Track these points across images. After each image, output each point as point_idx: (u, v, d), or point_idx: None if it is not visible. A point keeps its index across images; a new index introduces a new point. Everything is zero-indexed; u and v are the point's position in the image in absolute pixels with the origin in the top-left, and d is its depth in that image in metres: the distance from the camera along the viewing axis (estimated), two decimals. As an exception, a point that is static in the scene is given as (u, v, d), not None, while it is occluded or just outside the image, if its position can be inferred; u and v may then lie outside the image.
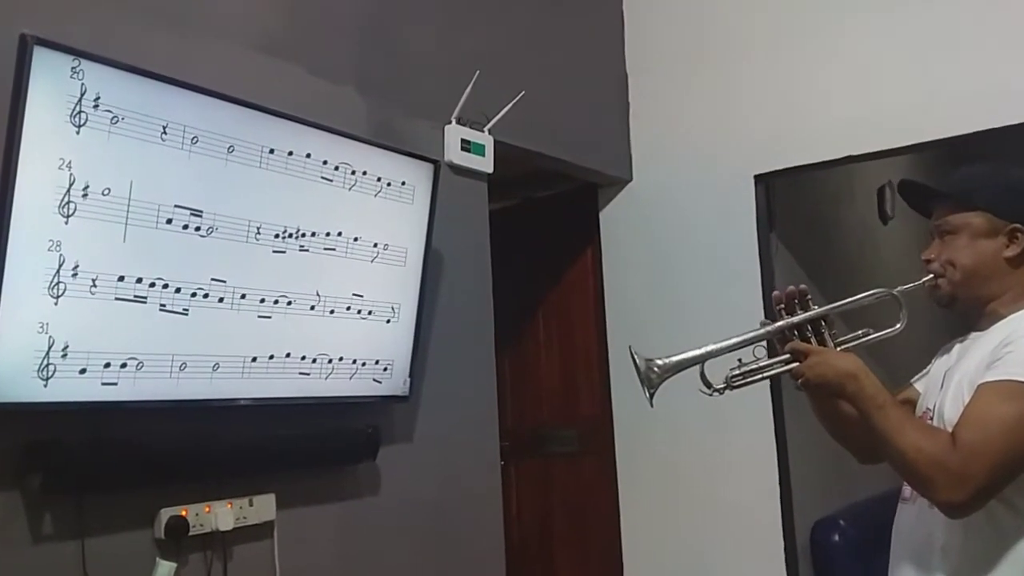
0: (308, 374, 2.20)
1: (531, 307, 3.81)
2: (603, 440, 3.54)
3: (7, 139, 1.62)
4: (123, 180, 1.78)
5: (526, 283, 3.76)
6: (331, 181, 2.20)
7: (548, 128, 3.16)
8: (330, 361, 2.24)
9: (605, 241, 3.65)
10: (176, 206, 1.88)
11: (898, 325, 1.72)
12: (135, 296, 1.83)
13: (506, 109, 2.81)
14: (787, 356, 1.68)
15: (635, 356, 1.70)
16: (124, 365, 1.82)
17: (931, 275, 1.68)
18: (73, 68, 1.69)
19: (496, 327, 2.93)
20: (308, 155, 2.14)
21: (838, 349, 1.68)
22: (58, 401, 1.73)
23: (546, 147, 3.15)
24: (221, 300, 1.99)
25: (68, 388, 1.73)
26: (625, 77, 3.62)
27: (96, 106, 1.72)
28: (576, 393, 3.69)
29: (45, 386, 1.70)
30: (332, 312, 2.23)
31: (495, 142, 2.86)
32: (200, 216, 1.92)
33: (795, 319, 1.69)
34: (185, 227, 1.90)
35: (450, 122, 2.74)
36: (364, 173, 2.27)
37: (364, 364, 2.33)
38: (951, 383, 1.62)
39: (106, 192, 1.75)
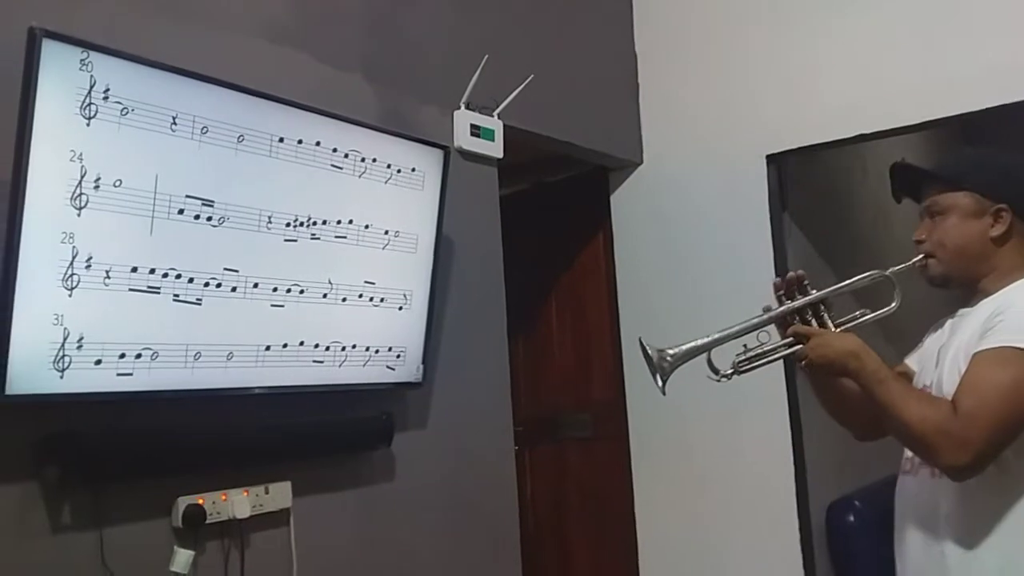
0: (322, 362, 2.20)
1: (543, 292, 3.81)
2: (617, 424, 3.55)
3: (18, 132, 1.62)
4: (134, 171, 1.79)
5: (538, 268, 3.75)
6: (341, 169, 2.20)
7: (558, 112, 3.14)
8: (343, 349, 2.25)
9: (616, 224, 3.64)
10: (187, 196, 1.88)
11: (893, 304, 1.79)
12: (149, 287, 1.84)
13: (515, 93, 2.80)
14: (790, 340, 1.76)
15: (647, 347, 1.77)
16: (139, 356, 1.83)
17: (922, 255, 1.74)
18: (82, 60, 1.68)
19: (508, 312, 2.93)
20: (318, 143, 2.13)
21: (837, 330, 1.74)
22: (74, 392, 1.74)
23: (556, 131, 3.14)
24: (234, 289, 1.99)
25: (84, 379, 1.74)
26: (634, 59, 3.60)
27: (106, 98, 1.72)
28: (589, 378, 3.69)
29: (61, 377, 1.71)
30: (344, 300, 2.23)
31: (504, 127, 2.85)
32: (211, 206, 1.93)
33: (795, 304, 1.76)
34: (197, 217, 1.91)
35: (459, 107, 2.73)
36: (374, 160, 2.27)
37: (377, 351, 2.33)
38: (946, 358, 1.68)
39: (117, 184, 1.76)
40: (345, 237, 2.21)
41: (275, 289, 2.07)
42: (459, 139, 2.72)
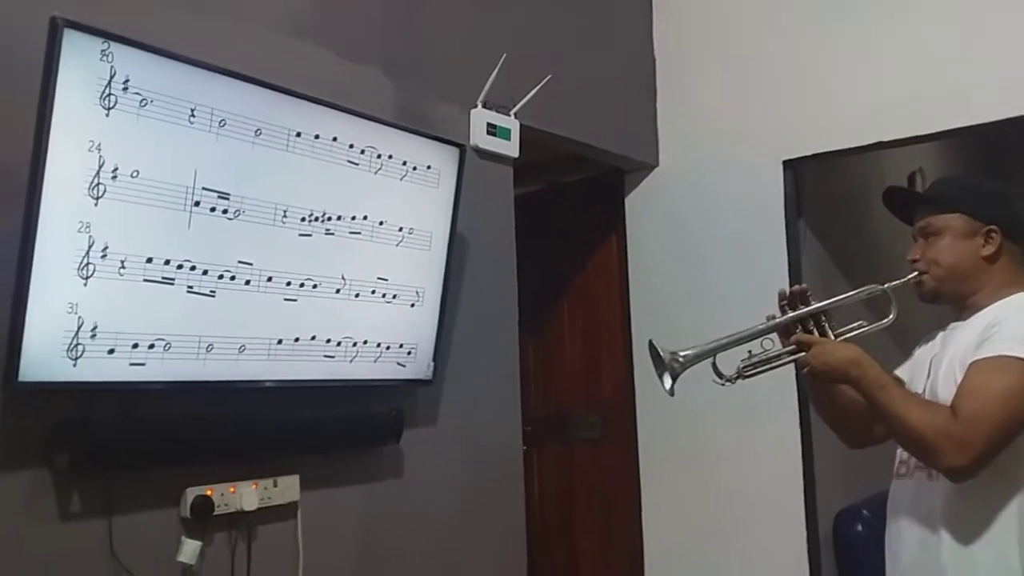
0: (333, 357, 2.21)
1: (555, 292, 3.80)
2: (626, 426, 3.54)
3: (38, 121, 1.63)
4: (152, 163, 1.79)
5: (551, 268, 3.75)
6: (357, 165, 2.20)
7: (574, 112, 3.14)
8: (355, 344, 2.25)
9: (630, 227, 3.63)
10: (204, 188, 1.89)
11: (890, 317, 1.88)
12: (163, 278, 1.84)
13: (532, 93, 2.80)
14: (793, 347, 1.84)
15: (659, 348, 1.83)
16: (152, 346, 1.84)
17: (916, 272, 1.84)
18: (103, 51, 1.69)
19: (520, 312, 2.93)
20: (334, 138, 2.14)
21: (838, 340, 1.83)
22: (87, 381, 1.75)
23: (572, 131, 3.14)
24: (248, 283, 2.00)
25: (97, 368, 1.75)
26: (653, 61, 3.59)
27: (125, 89, 1.73)
28: (599, 379, 3.68)
29: (74, 366, 1.72)
30: (357, 296, 2.23)
31: (521, 126, 2.85)
32: (227, 199, 1.93)
33: (798, 313, 1.84)
34: (212, 210, 1.91)
35: (476, 106, 2.73)
36: (390, 157, 2.27)
37: (388, 348, 2.34)
38: (939, 368, 1.77)
39: (135, 174, 1.77)
40: (359, 233, 2.22)
41: (288, 283, 2.08)
42: (475, 138, 2.72)
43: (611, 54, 3.40)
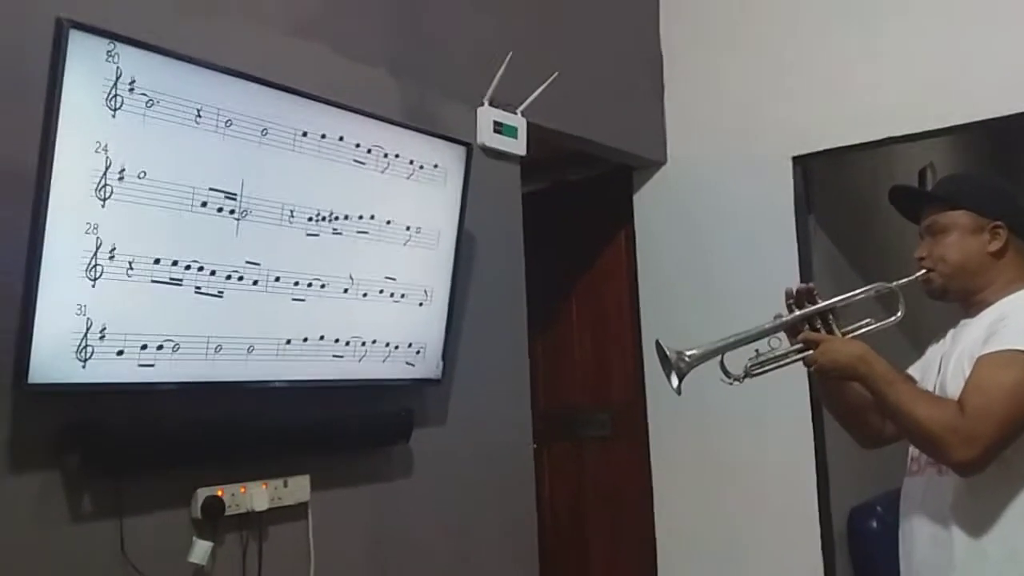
0: (342, 357, 2.20)
1: (564, 291, 3.80)
2: (636, 424, 3.53)
3: (44, 123, 1.63)
4: (158, 163, 1.79)
5: (559, 266, 3.74)
6: (364, 164, 2.20)
7: (582, 110, 3.13)
8: (363, 344, 2.25)
9: (639, 224, 3.62)
10: (211, 189, 1.89)
11: (898, 314, 1.88)
12: (171, 279, 1.85)
13: (539, 91, 2.79)
14: (800, 346, 1.84)
15: (665, 348, 1.84)
16: (160, 347, 1.84)
17: (924, 270, 1.83)
18: (108, 52, 1.69)
19: (529, 310, 2.92)
20: (341, 138, 2.14)
21: (845, 338, 1.83)
22: (96, 382, 1.75)
23: (580, 129, 3.13)
24: (255, 283, 2.00)
25: (106, 369, 1.75)
26: (660, 57, 3.58)
27: (132, 89, 1.73)
28: (609, 377, 3.68)
29: (83, 367, 1.72)
30: (365, 295, 2.23)
31: (528, 124, 2.84)
32: (234, 199, 1.93)
33: (805, 311, 1.85)
34: (220, 210, 1.91)
35: (482, 104, 2.72)
36: (396, 156, 2.27)
37: (397, 347, 2.33)
38: (949, 364, 1.77)
39: (142, 175, 1.77)
40: (367, 232, 2.22)
41: (296, 283, 2.08)
42: (482, 136, 2.71)
43: (618, 51, 3.39)
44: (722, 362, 1.85)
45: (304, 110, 2.06)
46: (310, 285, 2.11)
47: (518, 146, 2.83)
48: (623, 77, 3.40)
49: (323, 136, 2.10)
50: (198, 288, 1.89)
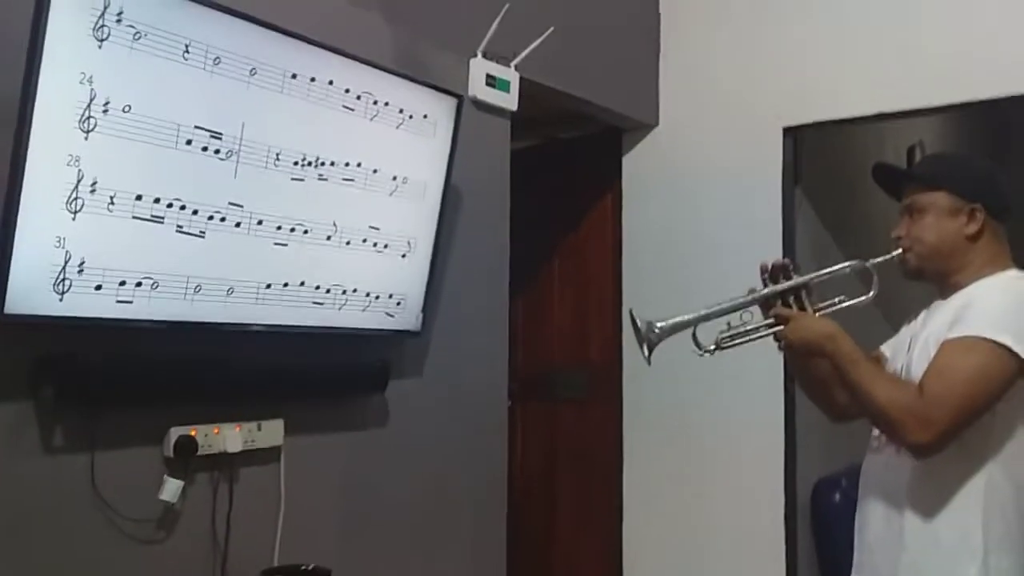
0: (321, 304, 2.20)
1: (547, 249, 3.79)
2: (612, 387, 3.55)
3: (29, 51, 1.60)
4: (144, 98, 1.77)
5: (544, 225, 3.72)
6: (353, 110, 2.17)
7: (576, 67, 3.10)
8: (344, 292, 2.24)
9: (626, 186, 3.61)
10: (196, 127, 1.86)
11: (871, 293, 1.88)
12: (152, 216, 1.83)
13: (534, 45, 2.76)
14: (771, 320, 1.86)
15: (636, 318, 1.86)
16: (139, 284, 1.83)
17: (900, 250, 1.84)
18: (96, -20, 1.66)
19: (511, 268, 2.92)
20: (330, 82, 2.11)
21: (816, 315, 1.84)
22: (73, 316, 1.74)
23: (572, 87, 3.10)
24: (238, 225, 1.98)
25: (83, 303, 1.74)
26: (658, 18, 3.54)
27: (119, 20, 1.70)
28: (587, 339, 3.68)
29: (60, 300, 1.71)
30: (348, 243, 2.22)
31: (521, 79, 2.81)
32: (219, 139, 1.91)
33: (779, 287, 1.85)
34: (204, 149, 1.89)
35: (476, 55, 2.69)
36: (386, 104, 2.24)
37: (378, 297, 2.33)
38: (916, 345, 1.80)
39: (127, 109, 1.74)
40: (352, 180, 2.20)
41: (279, 227, 2.06)
42: (474, 88, 2.68)
43: (616, 10, 3.35)
44: (694, 334, 1.87)
45: (294, 51, 2.03)
46: (293, 230, 2.09)
47: (510, 100, 2.80)
48: (620, 37, 3.36)
49: (312, 79, 2.07)
50: (179, 227, 1.88)
